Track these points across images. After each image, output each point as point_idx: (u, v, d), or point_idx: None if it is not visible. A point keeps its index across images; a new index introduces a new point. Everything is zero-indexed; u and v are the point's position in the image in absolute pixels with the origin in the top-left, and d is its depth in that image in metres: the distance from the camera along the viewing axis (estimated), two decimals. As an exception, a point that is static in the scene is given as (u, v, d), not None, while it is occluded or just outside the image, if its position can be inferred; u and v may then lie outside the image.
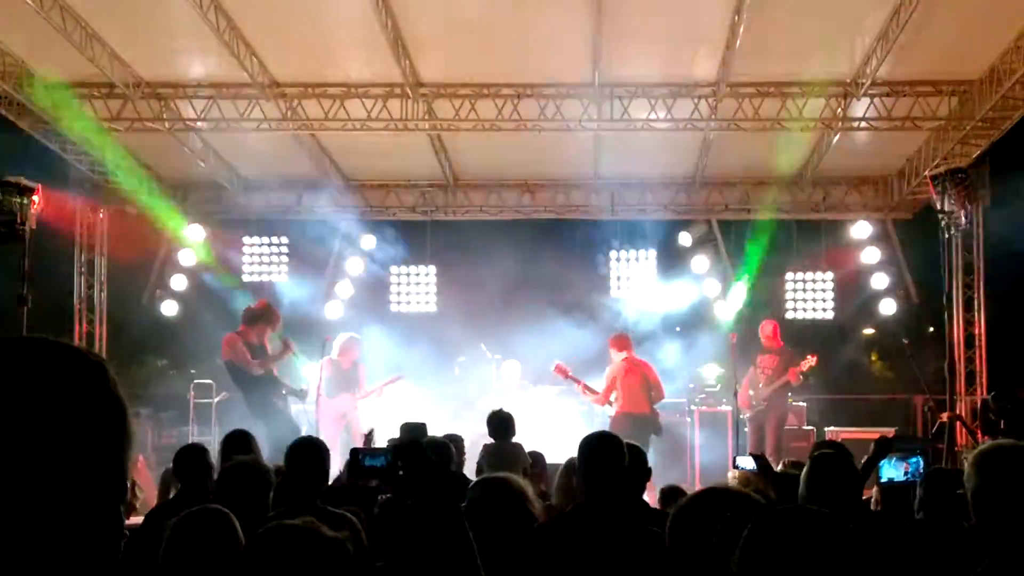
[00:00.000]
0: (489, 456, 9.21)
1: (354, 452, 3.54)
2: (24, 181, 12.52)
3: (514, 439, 9.67)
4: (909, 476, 6.71)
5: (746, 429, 14.56)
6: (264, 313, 13.07)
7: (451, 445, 7.52)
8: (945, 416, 12.63)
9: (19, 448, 1.38)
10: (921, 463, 6.93)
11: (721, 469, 13.89)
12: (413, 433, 7.74)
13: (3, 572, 1.37)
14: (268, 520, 3.81)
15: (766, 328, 14.93)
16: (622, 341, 14.35)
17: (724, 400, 15.79)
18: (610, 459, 5.00)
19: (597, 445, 5.12)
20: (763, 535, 2.26)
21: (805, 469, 5.49)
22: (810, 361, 14.40)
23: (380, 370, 14.87)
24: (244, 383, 12.68)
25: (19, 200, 12.33)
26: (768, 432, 14.25)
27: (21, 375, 1.42)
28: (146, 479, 12.40)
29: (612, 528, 4.68)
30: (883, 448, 6.61)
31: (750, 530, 2.28)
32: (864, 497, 6.98)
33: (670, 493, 6.91)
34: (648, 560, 4.30)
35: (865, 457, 6.74)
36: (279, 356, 12.96)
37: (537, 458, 9.51)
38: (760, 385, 14.53)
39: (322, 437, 8.52)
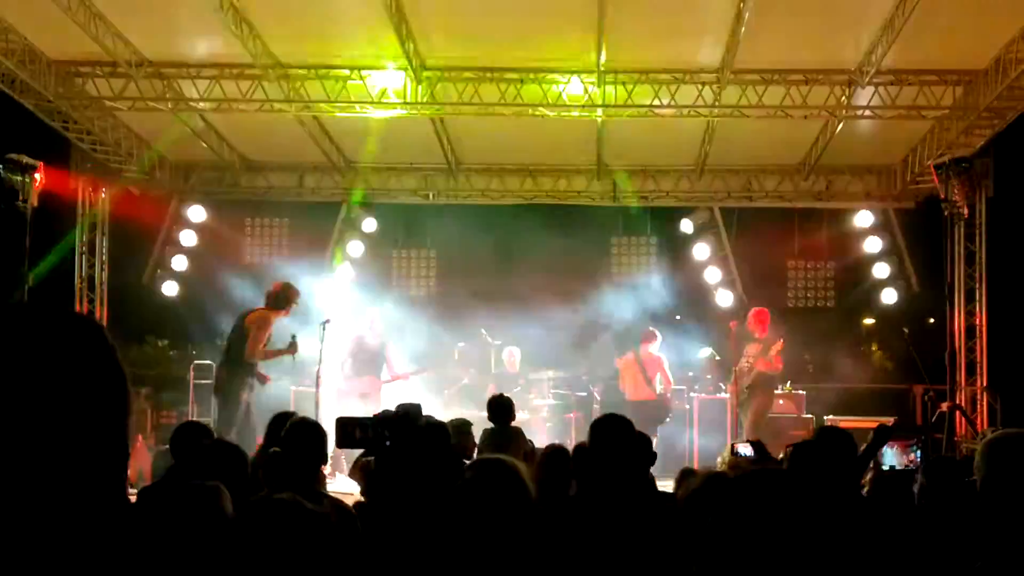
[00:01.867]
0: (489, 440, 9.22)
1: (341, 422, 3.51)
2: (26, 159, 12.51)
3: (513, 424, 9.69)
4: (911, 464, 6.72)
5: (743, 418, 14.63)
6: (286, 293, 12.51)
7: (447, 427, 7.48)
8: (945, 406, 12.64)
9: (21, 411, 1.37)
10: (919, 453, 6.95)
11: (719, 455, 13.92)
12: (404, 412, 7.69)
13: (7, 536, 1.36)
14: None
15: (755, 315, 14.92)
16: (642, 335, 15.39)
17: (723, 387, 15.82)
18: (617, 440, 4.97)
19: (606, 426, 5.09)
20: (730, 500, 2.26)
21: (788, 454, 5.50)
22: (777, 345, 14.41)
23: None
24: (233, 357, 12.21)
25: (21, 178, 12.32)
26: (747, 420, 14.24)
27: (22, 338, 1.42)
28: (144, 458, 12.41)
29: (619, 510, 4.66)
30: (883, 436, 6.61)
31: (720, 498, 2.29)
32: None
33: (688, 475, 6.88)
34: (653, 540, 4.29)
35: (864, 444, 6.74)
36: (279, 354, 12.43)
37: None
38: (748, 374, 14.59)
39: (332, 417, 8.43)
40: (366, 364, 14.03)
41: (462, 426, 8.40)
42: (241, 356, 12.07)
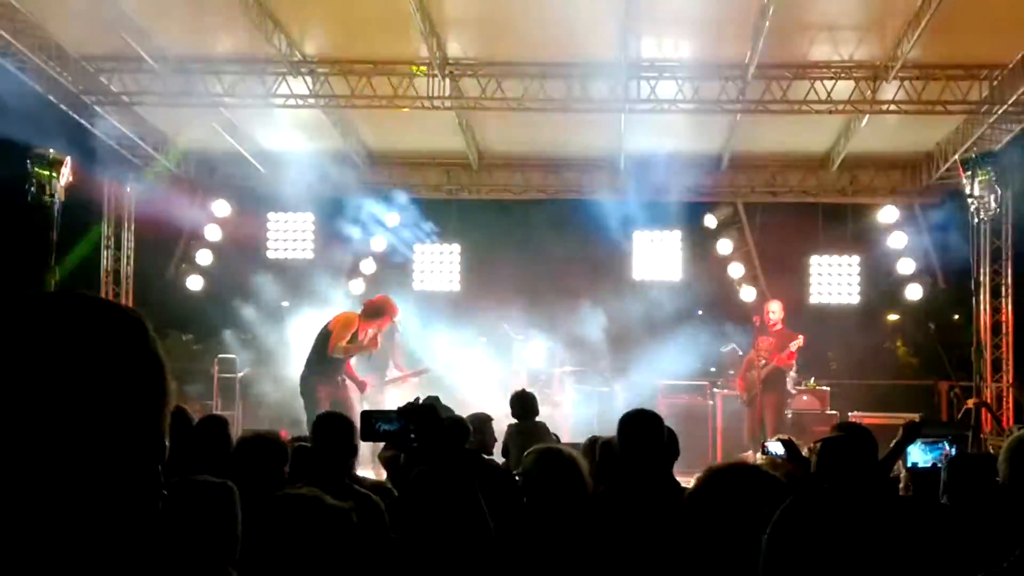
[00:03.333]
0: (513, 436, 9.20)
1: (366, 415, 3.52)
2: (53, 153, 12.58)
3: (537, 419, 9.67)
4: (937, 462, 6.68)
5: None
6: (380, 307, 12.62)
7: (466, 423, 7.47)
8: (971, 402, 12.57)
9: (57, 404, 1.37)
10: (948, 448, 6.90)
11: (743, 451, 13.90)
12: (428, 406, 7.65)
13: (40, 532, 1.37)
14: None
15: (770, 308, 14.87)
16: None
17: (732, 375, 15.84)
18: (647, 436, 4.91)
19: (634, 421, 5.05)
20: (797, 516, 2.26)
21: (818, 452, 5.47)
22: (798, 342, 14.34)
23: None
24: (311, 358, 12.24)
25: (48, 172, 12.39)
26: (767, 417, 14.18)
27: (59, 329, 1.41)
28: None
29: (651, 505, 4.64)
30: (912, 432, 6.58)
31: (783, 511, 2.28)
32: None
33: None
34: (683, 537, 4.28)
35: (893, 441, 6.72)
36: (359, 350, 12.47)
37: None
38: (759, 367, 14.55)
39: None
40: (371, 362, 13.85)
41: (482, 421, 8.37)
42: (318, 356, 12.12)
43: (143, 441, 1.43)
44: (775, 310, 14.81)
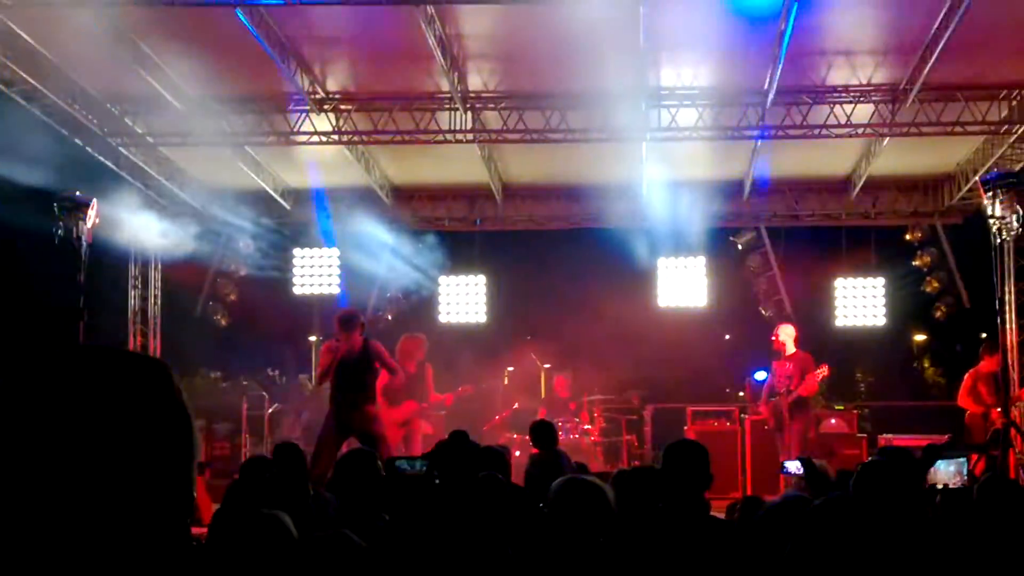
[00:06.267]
0: (534, 465, 9.29)
1: (390, 462, 3.54)
2: (80, 195, 12.72)
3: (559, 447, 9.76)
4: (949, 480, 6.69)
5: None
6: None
7: (505, 455, 7.53)
8: (999, 422, 12.51)
9: (83, 458, 1.40)
10: (964, 466, 6.91)
11: (771, 477, 13.84)
12: (454, 441, 7.74)
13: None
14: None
15: (782, 333, 14.81)
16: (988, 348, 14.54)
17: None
18: (693, 466, 5.05)
19: (680, 452, 5.16)
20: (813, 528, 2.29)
21: (855, 475, 5.48)
22: (823, 371, 14.28)
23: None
24: None
25: (74, 215, 12.53)
26: (792, 443, 14.10)
27: (85, 382, 1.44)
28: (201, 493, 12.50)
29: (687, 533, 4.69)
30: (932, 455, 6.59)
31: (801, 524, 2.31)
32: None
33: (751, 503, 6.86)
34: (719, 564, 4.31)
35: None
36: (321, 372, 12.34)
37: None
38: (778, 394, 14.48)
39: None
40: (402, 390, 13.85)
41: (499, 454, 8.44)
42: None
43: (170, 495, 1.46)
44: (787, 334, 14.74)
